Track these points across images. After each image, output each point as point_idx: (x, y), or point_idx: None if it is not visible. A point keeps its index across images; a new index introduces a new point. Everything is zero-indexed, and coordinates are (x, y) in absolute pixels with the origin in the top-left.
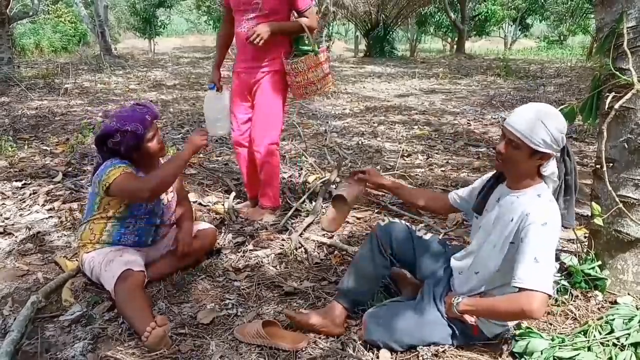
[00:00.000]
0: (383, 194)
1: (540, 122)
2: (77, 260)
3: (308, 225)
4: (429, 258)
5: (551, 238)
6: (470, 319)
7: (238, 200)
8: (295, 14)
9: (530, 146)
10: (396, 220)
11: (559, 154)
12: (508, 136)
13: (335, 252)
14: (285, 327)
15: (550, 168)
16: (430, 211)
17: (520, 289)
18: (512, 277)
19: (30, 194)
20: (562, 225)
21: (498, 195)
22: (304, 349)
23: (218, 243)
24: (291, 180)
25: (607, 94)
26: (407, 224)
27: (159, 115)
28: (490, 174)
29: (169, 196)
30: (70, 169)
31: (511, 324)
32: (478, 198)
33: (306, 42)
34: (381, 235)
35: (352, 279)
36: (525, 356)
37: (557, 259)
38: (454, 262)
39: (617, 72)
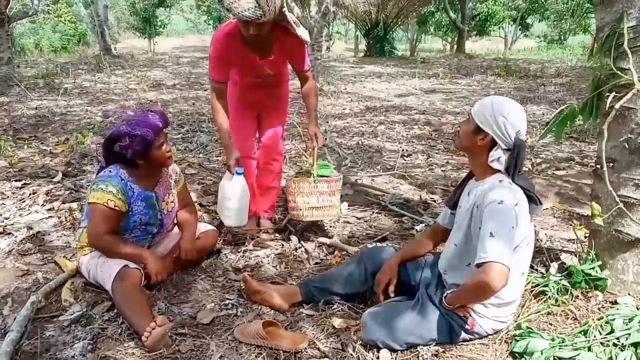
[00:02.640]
0: (383, 193)
1: (489, 102)
2: (76, 261)
3: (308, 226)
4: (417, 269)
5: (508, 215)
6: (465, 313)
7: None
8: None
9: (475, 120)
10: (384, 245)
11: (504, 146)
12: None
13: (335, 252)
14: (285, 327)
15: (497, 162)
16: (435, 247)
17: (479, 265)
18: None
19: (30, 194)
20: (531, 212)
21: (468, 190)
22: (304, 350)
23: (218, 243)
24: None
25: (608, 93)
26: (396, 247)
27: (169, 122)
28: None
29: (169, 206)
30: (70, 169)
31: (510, 319)
32: (452, 194)
33: (326, 167)
34: (368, 255)
35: (322, 275)
36: (525, 356)
37: (558, 259)
38: (440, 263)
39: (618, 72)
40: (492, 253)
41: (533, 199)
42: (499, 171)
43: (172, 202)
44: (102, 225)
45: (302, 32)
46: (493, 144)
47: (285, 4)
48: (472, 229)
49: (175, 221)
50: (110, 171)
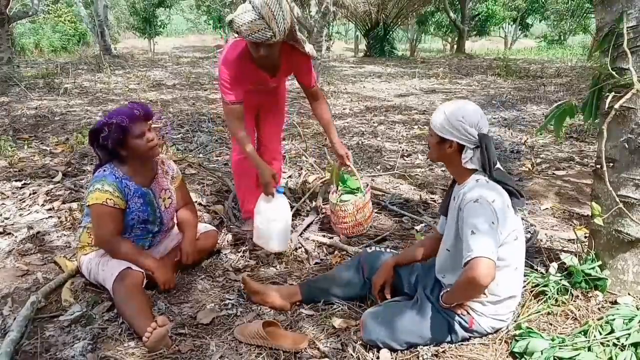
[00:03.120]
0: (383, 193)
1: (442, 111)
2: (76, 260)
3: (308, 225)
4: (411, 273)
5: (485, 211)
6: (463, 311)
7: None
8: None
9: (434, 131)
10: (382, 249)
11: (472, 145)
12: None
13: (335, 252)
14: (285, 327)
15: (470, 162)
16: (435, 254)
17: (466, 264)
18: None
19: (30, 194)
20: (515, 206)
21: (454, 194)
22: (304, 350)
23: (218, 243)
24: (291, 180)
25: (607, 93)
26: (394, 252)
27: (152, 114)
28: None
29: (166, 202)
30: (70, 169)
31: (509, 318)
32: (443, 202)
33: (352, 179)
34: (366, 259)
35: (322, 276)
36: (525, 356)
37: (558, 259)
38: (436, 267)
39: (617, 74)
40: (475, 249)
41: (514, 194)
42: (475, 172)
43: (169, 198)
44: (108, 225)
45: (310, 49)
46: (461, 147)
47: (294, 23)
48: (459, 232)
49: (174, 219)
50: (104, 170)
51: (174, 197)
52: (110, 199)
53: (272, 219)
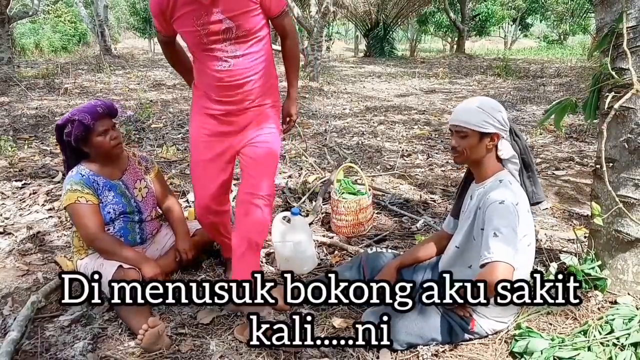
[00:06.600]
0: (383, 194)
1: (477, 108)
2: (73, 264)
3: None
4: (415, 272)
5: (509, 214)
6: (465, 312)
7: None
8: (270, 21)
9: (475, 130)
10: (383, 250)
11: (507, 135)
12: (455, 130)
13: (335, 251)
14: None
15: (507, 150)
16: (439, 253)
17: (483, 265)
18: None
19: (30, 194)
20: (534, 201)
21: (470, 194)
22: (303, 350)
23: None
24: (291, 180)
25: (607, 93)
26: (394, 252)
27: (116, 112)
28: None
29: (142, 192)
30: None
31: (510, 320)
32: (454, 202)
33: (351, 184)
34: (367, 260)
35: (322, 276)
36: (525, 356)
37: (558, 259)
38: (440, 265)
39: (616, 74)
40: (496, 253)
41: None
42: (498, 172)
43: (145, 187)
44: (88, 221)
45: None
46: (498, 139)
47: None
48: (474, 230)
49: (157, 209)
50: (71, 172)
51: (150, 186)
52: (82, 197)
53: (296, 242)
